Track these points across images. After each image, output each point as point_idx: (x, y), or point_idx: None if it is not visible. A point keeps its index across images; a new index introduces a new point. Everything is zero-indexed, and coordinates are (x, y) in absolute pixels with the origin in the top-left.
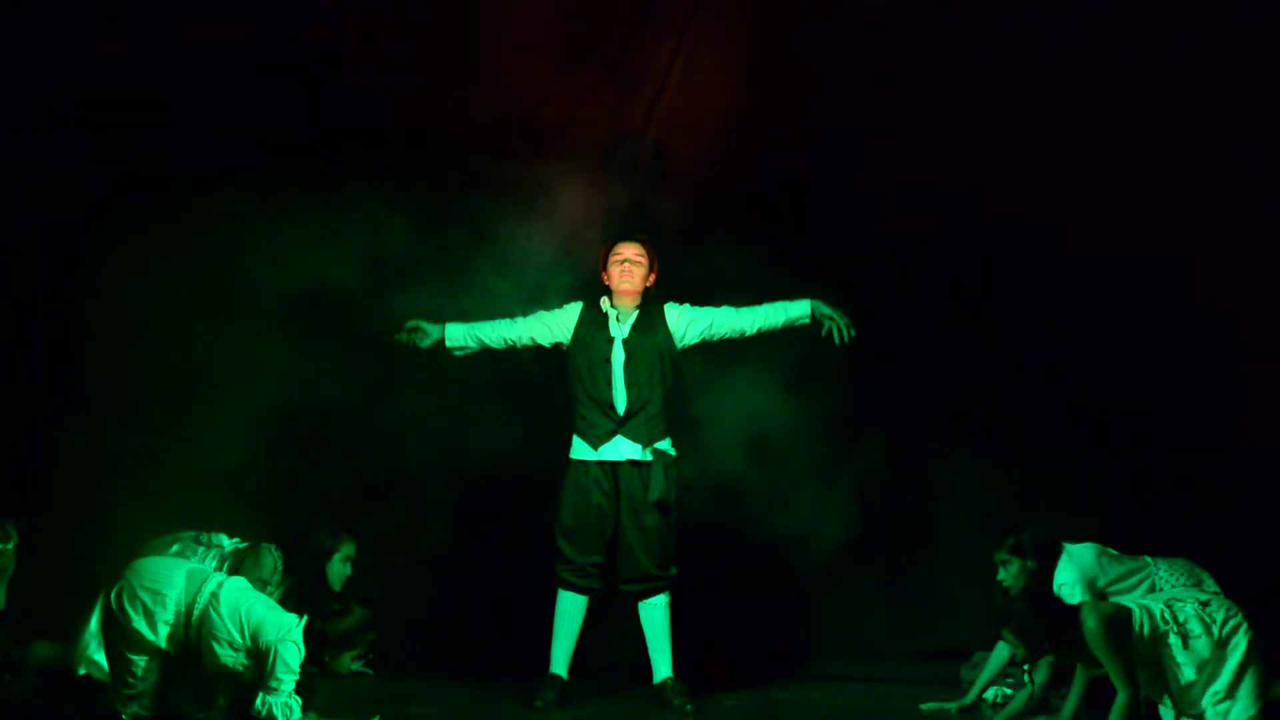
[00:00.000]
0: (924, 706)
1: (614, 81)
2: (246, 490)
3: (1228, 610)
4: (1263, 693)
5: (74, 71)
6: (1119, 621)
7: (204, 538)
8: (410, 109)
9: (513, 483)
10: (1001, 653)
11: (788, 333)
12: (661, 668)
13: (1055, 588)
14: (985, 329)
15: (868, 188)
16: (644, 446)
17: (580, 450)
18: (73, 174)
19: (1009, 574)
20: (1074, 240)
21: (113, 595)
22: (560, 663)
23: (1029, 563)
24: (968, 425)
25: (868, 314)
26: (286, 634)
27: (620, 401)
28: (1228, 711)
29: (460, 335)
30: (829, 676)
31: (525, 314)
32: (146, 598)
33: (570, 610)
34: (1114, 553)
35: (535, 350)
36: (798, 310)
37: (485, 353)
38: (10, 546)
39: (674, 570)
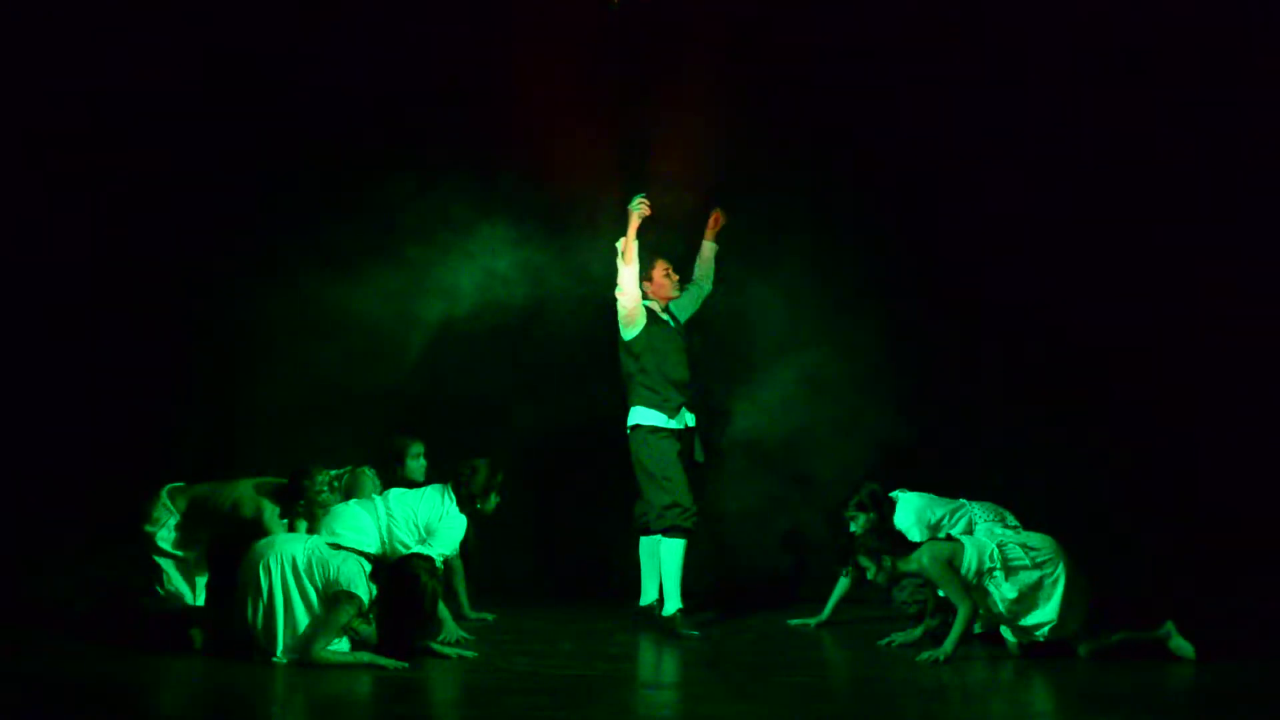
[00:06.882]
0: (791, 622)
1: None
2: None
3: (1051, 547)
4: (1074, 612)
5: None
6: (951, 557)
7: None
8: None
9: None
10: (843, 583)
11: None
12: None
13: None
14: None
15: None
16: (694, 415)
17: (658, 419)
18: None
19: (858, 525)
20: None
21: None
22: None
23: (871, 515)
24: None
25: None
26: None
27: (687, 380)
28: (1049, 633)
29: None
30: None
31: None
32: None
33: (682, 553)
34: (935, 497)
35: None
36: (707, 249)
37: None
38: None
39: None
